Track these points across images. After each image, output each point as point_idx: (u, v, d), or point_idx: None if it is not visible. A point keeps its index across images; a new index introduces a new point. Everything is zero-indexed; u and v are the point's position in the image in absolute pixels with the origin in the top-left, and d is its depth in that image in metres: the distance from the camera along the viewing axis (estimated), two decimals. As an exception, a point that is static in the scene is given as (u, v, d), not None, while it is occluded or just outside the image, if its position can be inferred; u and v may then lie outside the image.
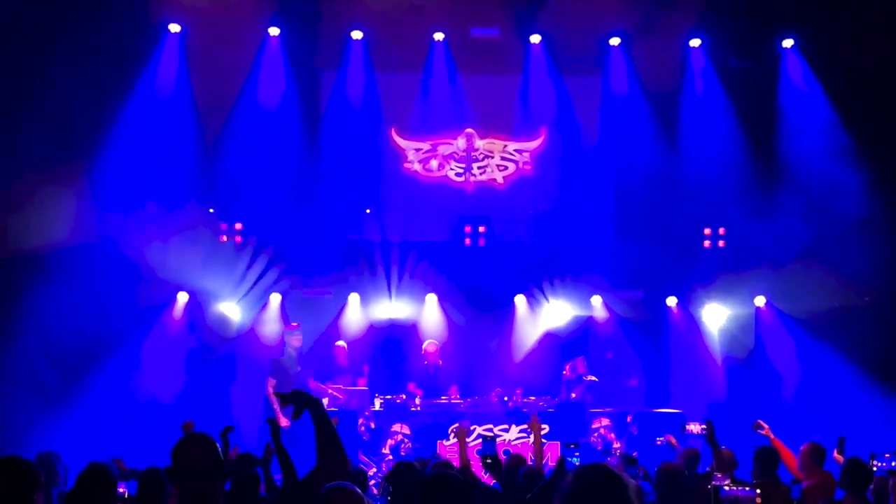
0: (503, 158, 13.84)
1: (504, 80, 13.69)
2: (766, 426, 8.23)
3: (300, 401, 3.97)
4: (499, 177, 13.81)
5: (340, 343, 12.55)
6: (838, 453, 7.84)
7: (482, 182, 13.86)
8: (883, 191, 12.03)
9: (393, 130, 13.77)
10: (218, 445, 3.62)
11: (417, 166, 13.81)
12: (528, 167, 13.84)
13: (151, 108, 12.52)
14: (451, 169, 13.83)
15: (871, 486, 6.57)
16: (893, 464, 6.19)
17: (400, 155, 13.81)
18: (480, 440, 9.11)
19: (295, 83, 13.22)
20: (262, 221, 13.05)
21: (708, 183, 12.84)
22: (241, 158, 12.88)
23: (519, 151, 13.84)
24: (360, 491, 3.41)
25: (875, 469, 6.27)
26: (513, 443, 10.86)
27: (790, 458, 7.79)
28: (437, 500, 3.64)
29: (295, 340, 11.71)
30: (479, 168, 13.83)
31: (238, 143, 12.93)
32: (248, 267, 13.02)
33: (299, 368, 11.61)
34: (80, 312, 10.99)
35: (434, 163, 13.82)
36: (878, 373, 11.82)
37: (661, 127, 13.34)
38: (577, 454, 6.13)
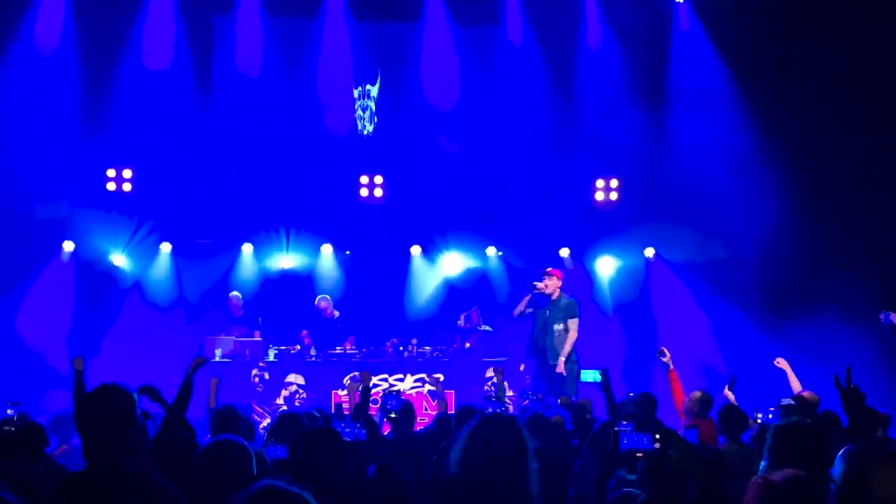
0: (397, 107, 13.69)
1: (401, 28, 13.56)
2: (668, 354, 8.44)
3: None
4: (394, 126, 13.69)
5: (235, 293, 12.39)
6: (729, 390, 8.15)
7: (377, 132, 13.73)
8: (771, 148, 12.40)
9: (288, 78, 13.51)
10: (135, 398, 3.51)
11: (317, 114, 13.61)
12: (421, 117, 13.73)
13: (34, 58, 12.15)
14: (350, 118, 13.66)
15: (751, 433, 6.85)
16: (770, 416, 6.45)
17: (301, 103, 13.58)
18: (382, 394, 9.18)
19: (185, 27, 12.83)
20: (153, 169, 12.74)
21: (601, 135, 13.01)
22: (132, 106, 12.50)
23: (413, 101, 13.72)
24: (244, 443, 3.38)
25: (759, 420, 6.51)
26: (407, 392, 10.95)
27: (679, 393, 8.05)
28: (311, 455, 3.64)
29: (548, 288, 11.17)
30: (373, 117, 13.70)
31: (128, 91, 12.53)
32: (138, 216, 12.75)
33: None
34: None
35: (330, 112, 13.62)
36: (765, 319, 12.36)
37: (556, 78, 13.42)
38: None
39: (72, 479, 3.40)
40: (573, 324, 10.99)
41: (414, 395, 10.90)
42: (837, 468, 3.01)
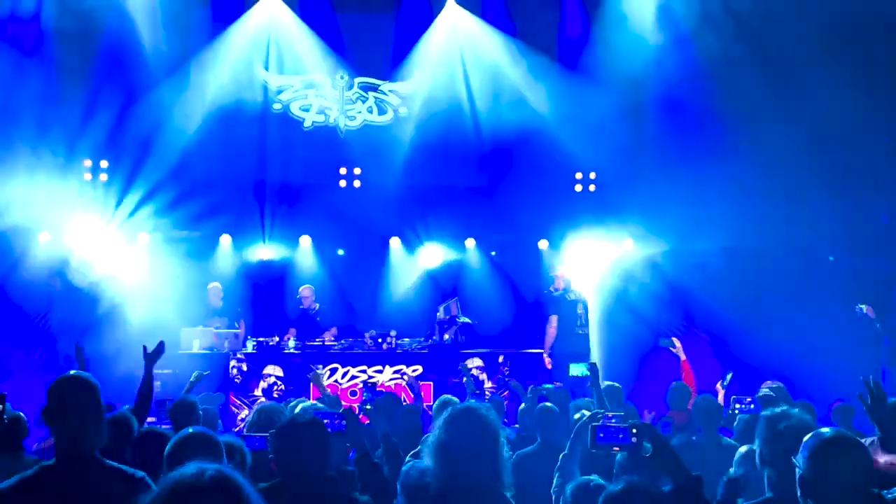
0: (377, 99, 13.69)
1: (379, 19, 13.52)
2: (678, 344, 8.40)
3: None
4: (373, 117, 13.68)
5: (215, 284, 12.32)
6: (721, 386, 8.20)
7: (356, 122, 13.70)
8: (748, 140, 12.46)
9: (264, 67, 13.45)
10: (98, 387, 3.46)
11: (290, 105, 13.56)
12: (401, 108, 13.73)
13: (8, 43, 12.04)
14: (325, 109, 13.62)
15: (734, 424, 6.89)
16: (751, 406, 6.48)
17: (273, 93, 13.52)
18: (362, 386, 9.18)
19: (163, 14, 12.74)
20: (130, 160, 12.65)
21: (580, 127, 13.02)
22: (108, 94, 12.41)
23: (392, 92, 13.72)
24: (211, 434, 3.37)
25: (737, 411, 6.54)
26: (386, 384, 10.95)
27: (692, 384, 8.09)
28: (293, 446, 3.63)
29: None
30: (352, 108, 13.66)
31: (103, 79, 12.43)
32: (115, 207, 12.67)
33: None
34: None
35: (307, 102, 13.58)
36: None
37: (535, 68, 13.43)
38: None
39: (42, 469, 3.36)
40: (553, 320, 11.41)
41: (392, 387, 10.89)
42: (801, 455, 3.06)
